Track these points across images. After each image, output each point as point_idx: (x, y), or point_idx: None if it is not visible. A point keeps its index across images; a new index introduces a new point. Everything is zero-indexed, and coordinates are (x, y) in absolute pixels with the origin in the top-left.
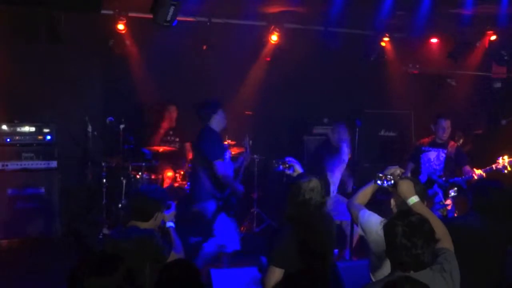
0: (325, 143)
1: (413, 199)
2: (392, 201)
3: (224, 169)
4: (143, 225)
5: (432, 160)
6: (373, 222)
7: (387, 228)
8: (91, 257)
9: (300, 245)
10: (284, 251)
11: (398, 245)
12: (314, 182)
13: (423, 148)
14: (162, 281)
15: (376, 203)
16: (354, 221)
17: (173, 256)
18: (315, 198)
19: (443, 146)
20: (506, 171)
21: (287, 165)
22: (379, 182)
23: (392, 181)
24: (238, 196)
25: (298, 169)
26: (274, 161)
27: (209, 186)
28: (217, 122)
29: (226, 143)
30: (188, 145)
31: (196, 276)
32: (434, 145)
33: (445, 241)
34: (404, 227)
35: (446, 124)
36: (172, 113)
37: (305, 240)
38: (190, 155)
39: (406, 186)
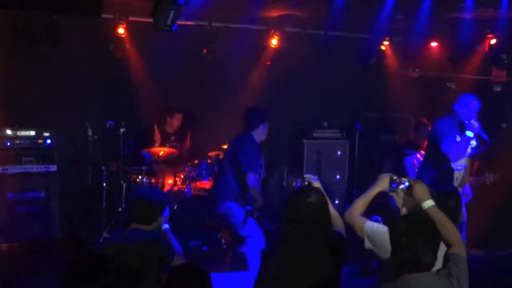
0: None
1: (428, 203)
2: (404, 210)
3: (255, 183)
4: (146, 227)
5: (416, 164)
6: (384, 234)
7: (391, 227)
8: (81, 262)
9: (290, 272)
10: (270, 272)
11: (400, 244)
12: (314, 197)
13: (405, 151)
14: (172, 284)
15: (376, 207)
16: (357, 233)
17: (177, 258)
18: (314, 215)
19: (421, 147)
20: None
21: (305, 182)
22: (394, 184)
23: (407, 184)
24: (258, 207)
25: (317, 186)
26: (289, 178)
27: (236, 191)
28: (260, 133)
29: (226, 147)
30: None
31: (206, 280)
32: (413, 147)
33: (457, 246)
34: (408, 226)
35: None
36: (178, 120)
37: (297, 266)
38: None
39: (421, 190)
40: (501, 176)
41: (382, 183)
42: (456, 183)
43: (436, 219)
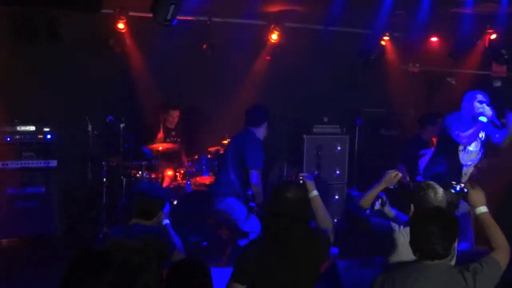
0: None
1: (481, 209)
2: (412, 207)
3: (259, 181)
4: (147, 223)
5: None
6: (389, 231)
7: (415, 217)
8: (82, 258)
9: (266, 261)
10: (246, 264)
11: (416, 230)
12: (292, 192)
13: (419, 152)
14: (172, 279)
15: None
16: (365, 229)
17: (177, 253)
18: (291, 210)
19: (431, 143)
20: None
21: (300, 181)
22: (452, 189)
23: (459, 188)
24: (258, 203)
25: (310, 186)
26: (288, 175)
27: (238, 187)
28: (262, 131)
29: (226, 142)
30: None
31: (206, 275)
32: (424, 145)
33: (500, 252)
34: (427, 215)
35: None
36: (176, 117)
37: (272, 257)
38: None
39: (477, 195)
40: (500, 170)
41: (388, 180)
42: (464, 179)
43: (486, 224)
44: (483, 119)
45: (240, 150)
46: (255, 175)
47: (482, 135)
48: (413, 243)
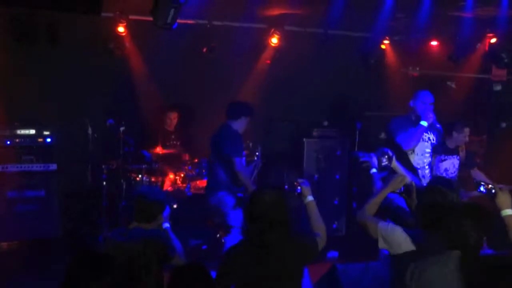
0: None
1: (507, 211)
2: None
3: (242, 166)
4: (147, 226)
5: (448, 169)
6: (399, 235)
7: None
8: (82, 261)
9: (247, 265)
10: (228, 269)
11: (449, 223)
12: (273, 195)
13: (439, 157)
14: (174, 284)
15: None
16: (371, 234)
17: (177, 256)
18: (273, 214)
19: (456, 151)
20: None
21: (296, 185)
22: (482, 189)
23: (493, 191)
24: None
25: (306, 191)
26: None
27: (225, 180)
28: (240, 124)
29: None
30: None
31: (208, 279)
32: (447, 151)
33: None
34: (461, 207)
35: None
36: (173, 119)
37: (254, 260)
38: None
39: (504, 198)
40: (500, 174)
41: (394, 184)
42: (424, 182)
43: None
44: (424, 123)
45: (219, 144)
46: (237, 162)
47: (433, 137)
48: (445, 234)
